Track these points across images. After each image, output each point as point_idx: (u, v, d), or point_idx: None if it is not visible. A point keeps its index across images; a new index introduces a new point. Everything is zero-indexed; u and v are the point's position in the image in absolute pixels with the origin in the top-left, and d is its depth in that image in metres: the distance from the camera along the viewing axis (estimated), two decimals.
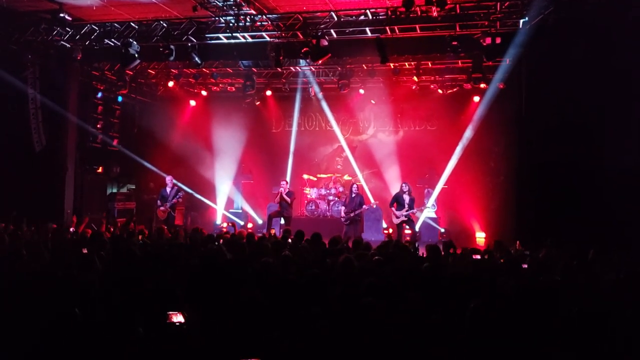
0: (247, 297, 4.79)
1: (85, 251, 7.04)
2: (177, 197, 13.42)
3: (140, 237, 9.48)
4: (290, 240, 9.33)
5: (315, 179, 17.84)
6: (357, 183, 15.17)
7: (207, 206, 17.63)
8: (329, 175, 17.75)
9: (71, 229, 11.00)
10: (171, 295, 4.91)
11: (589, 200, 10.30)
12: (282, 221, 14.09)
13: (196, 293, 5.45)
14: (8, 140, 13.09)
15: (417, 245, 10.00)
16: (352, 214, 13.27)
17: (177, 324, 4.36)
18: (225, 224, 14.42)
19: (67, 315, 4.29)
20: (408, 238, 13.81)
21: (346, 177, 17.54)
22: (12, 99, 13.12)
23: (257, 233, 11.51)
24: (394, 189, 16.51)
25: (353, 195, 13.54)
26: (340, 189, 17.09)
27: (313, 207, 16.95)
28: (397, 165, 16.79)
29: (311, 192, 17.26)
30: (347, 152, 17.67)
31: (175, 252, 7.53)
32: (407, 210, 12.83)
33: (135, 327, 4.17)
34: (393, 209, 12.90)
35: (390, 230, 15.49)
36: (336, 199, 16.89)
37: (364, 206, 13.42)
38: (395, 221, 12.90)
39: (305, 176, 17.69)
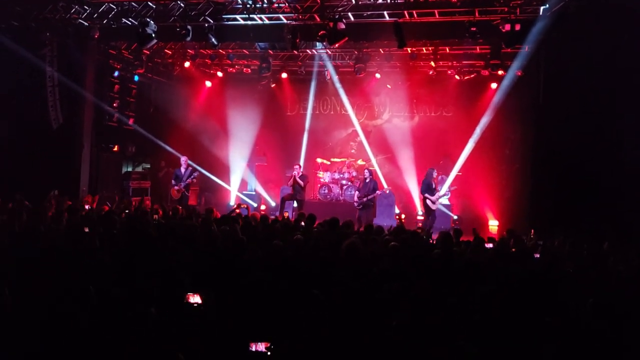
0: (255, 279, 4.81)
1: (86, 230, 6.99)
2: (192, 177, 13.49)
3: (155, 216, 9.52)
4: (303, 224, 9.33)
5: (328, 162, 17.85)
6: (371, 168, 15.12)
7: (221, 187, 17.71)
8: (342, 159, 17.74)
9: (86, 207, 11.09)
10: (186, 276, 4.94)
11: (606, 190, 10.16)
12: (295, 204, 14.17)
13: (208, 274, 5.48)
14: (26, 118, 13.18)
15: (430, 232, 9.93)
16: (365, 199, 13.32)
17: (195, 305, 4.36)
18: (235, 205, 14.44)
19: (81, 292, 4.30)
20: (420, 225, 13.84)
21: (360, 162, 17.52)
22: (30, 77, 13.14)
23: (270, 215, 11.52)
24: (408, 175, 16.50)
25: (367, 180, 13.58)
26: (354, 174, 17.09)
27: (326, 191, 16.96)
28: (411, 151, 16.72)
29: (324, 176, 17.28)
30: (362, 137, 17.63)
31: (189, 233, 7.53)
32: (440, 195, 12.96)
33: (148, 307, 4.18)
34: (427, 195, 12.92)
35: (403, 217, 15.51)
36: (349, 183, 16.90)
37: (377, 191, 13.46)
38: (433, 207, 12.88)
39: (319, 160, 17.70)
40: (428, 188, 12.96)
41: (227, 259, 6.05)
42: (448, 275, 5.74)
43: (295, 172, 13.84)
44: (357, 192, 13.71)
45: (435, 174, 13.28)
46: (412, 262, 6.21)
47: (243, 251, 6.47)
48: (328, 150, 18.19)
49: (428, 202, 12.95)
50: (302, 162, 16.47)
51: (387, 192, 15.67)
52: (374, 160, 17.26)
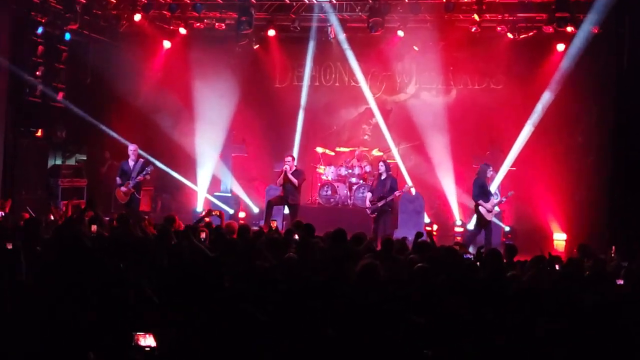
0: (230, 315, 4.86)
1: (9, 246, 7.00)
2: (144, 173, 13.47)
3: (93, 226, 9.51)
4: (296, 238, 9.38)
5: (333, 153, 17.84)
6: (390, 161, 15.23)
7: (185, 187, 17.76)
8: (352, 148, 17.75)
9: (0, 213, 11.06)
10: (135, 311, 4.92)
11: None
12: (287, 210, 14.17)
13: (166, 308, 5.54)
14: None
15: (481, 251, 9.92)
16: (380, 203, 13.35)
17: (147, 349, 4.39)
18: (203, 212, 14.41)
19: None
20: (459, 239, 13.82)
21: (376, 152, 17.54)
22: None
23: (253, 226, 11.76)
24: (442, 170, 16.56)
25: (382, 176, 13.61)
26: (367, 169, 17.10)
27: (329, 193, 16.99)
28: (446, 137, 16.80)
29: (327, 172, 17.28)
30: (378, 118, 17.67)
31: (141, 249, 7.61)
32: (497, 201, 13.00)
33: (85, 351, 4.17)
34: (482, 201, 12.91)
35: (435, 228, 15.50)
36: (361, 181, 16.92)
37: (396, 192, 13.50)
38: (489, 217, 12.94)
39: (320, 149, 17.68)
40: (482, 192, 12.95)
41: (192, 288, 6.08)
42: (497, 307, 5.76)
43: (286, 167, 13.87)
44: (369, 194, 13.76)
45: (490, 172, 13.29)
46: (446, 290, 6.26)
47: (214, 277, 6.45)
48: (332, 136, 18.19)
49: (482, 210, 12.95)
50: (295, 153, 16.48)
51: (413, 192, 15.71)
52: (394, 150, 17.30)
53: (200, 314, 5.16)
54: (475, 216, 13.30)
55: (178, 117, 17.63)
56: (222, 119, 17.61)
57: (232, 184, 17.85)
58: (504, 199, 13.76)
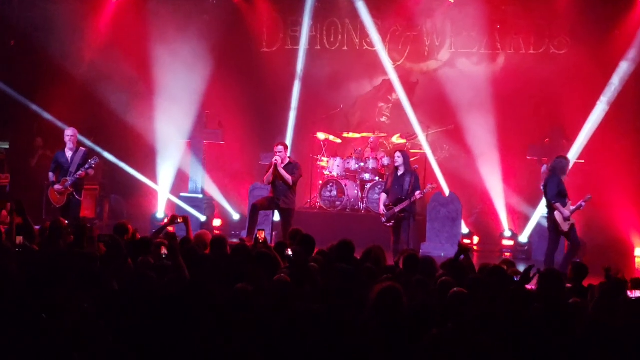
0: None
1: None
2: (86, 167, 13.45)
3: (19, 238, 9.33)
4: (290, 254, 9.18)
5: (339, 141, 17.90)
6: (415, 151, 15.49)
7: (141, 186, 17.81)
8: (365, 134, 17.77)
9: None
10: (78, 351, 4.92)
11: None
12: (277, 217, 14.18)
13: (119, 348, 5.52)
14: None
15: (560, 276, 9.82)
16: (397, 208, 13.35)
17: None
18: (166, 218, 14.57)
19: None
20: (507, 255, 13.81)
21: (396, 140, 17.58)
22: None
23: (232, 238, 11.97)
24: (485, 163, 16.68)
25: (399, 171, 13.62)
26: (385, 161, 17.01)
27: (334, 193, 16.96)
28: (490, 119, 16.83)
29: (331, 166, 17.22)
30: (400, 93, 17.68)
31: (83, 269, 7.50)
32: (575, 207, 12.92)
33: None
34: (559, 204, 12.86)
35: (476, 240, 15.58)
36: (377, 178, 16.91)
37: (418, 193, 13.42)
38: (565, 227, 12.90)
39: (322, 135, 17.69)
40: (561, 193, 12.96)
41: (156, 320, 6.06)
42: (555, 347, 5.76)
43: (277, 159, 13.76)
44: (383, 196, 13.77)
45: (569, 167, 13.17)
46: (489, 323, 6.25)
47: (181, 305, 6.35)
48: (338, 118, 18.23)
49: (558, 217, 12.91)
50: (289, 141, 16.58)
51: (446, 194, 15.75)
52: (421, 137, 17.25)
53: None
54: (549, 224, 13.10)
55: (132, 93, 17.64)
56: (191, 96, 17.58)
57: (204, 182, 17.81)
58: (582, 204, 13.25)
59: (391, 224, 13.44)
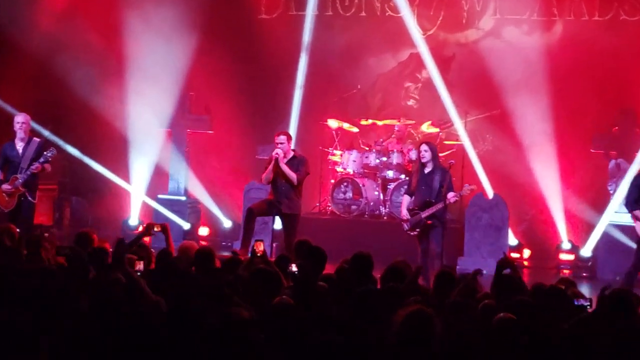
0: None
1: None
2: (42, 161, 13.59)
3: None
4: (295, 270, 9.28)
5: (356, 129, 17.99)
6: (450, 142, 15.78)
7: (110, 186, 17.92)
8: (387, 122, 17.85)
9: None
10: None
11: None
12: (279, 224, 14.26)
13: None
14: None
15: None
16: (424, 213, 13.33)
17: None
18: (141, 226, 14.85)
19: None
20: (567, 272, 13.78)
21: (427, 128, 17.66)
22: None
23: (222, 251, 12.31)
24: (538, 157, 16.78)
25: (427, 168, 13.66)
26: (413, 155, 16.84)
27: (349, 195, 17.03)
28: (544, 101, 16.87)
29: (346, 161, 17.27)
30: (431, 70, 17.70)
31: (40, 286, 7.58)
32: None
33: None
34: (638, 213, 13.01)
35: (527, 254, 15.76)
36: (402, 176, 16.95)
37: (449, 195, 13.40)
38: None
39: (334, 123, 17.76)
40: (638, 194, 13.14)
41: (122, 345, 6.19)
42: None
43: (278, 152, 13.79)
44: (406, 198, 13.86)
45: None
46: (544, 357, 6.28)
47: (158, 336, 6.51)
48: (354, 101, 18.32)
49: (637, 228, 13.05)
50: (293, 129, 16.72)
51: (490, 196, 15.85)
52: (458, 125, 17.30)
53: None
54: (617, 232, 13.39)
55: (99, 70, 17.67)
56: (172, 74, 17.63)
57: (187, 181, 17.96)
58: None
59: (416, 232, 13.44)
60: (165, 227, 11.27)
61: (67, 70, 17.34)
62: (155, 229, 11.09)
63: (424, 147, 13.82)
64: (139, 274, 8.77)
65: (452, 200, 13.53)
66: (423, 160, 13.72)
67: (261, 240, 11.39)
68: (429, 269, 12.17)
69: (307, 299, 7.77)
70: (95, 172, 17.79)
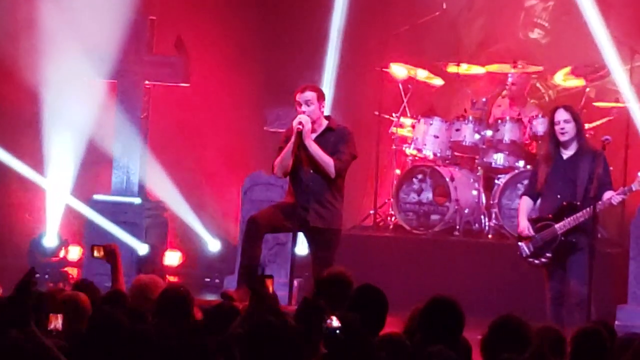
0: None
1: None
2: None
3: None
4: (335, 327, 7.27)
5: (438, 81, 15.99)
6: (607, 106, 14.67)
7: (12, 179, 16.30)
8: (493, 67, 15.86)
9: None
10: None
11: None
12: (305, 247, 12.48)
13: None
14: None
15: None
16: (559, 226, 11.23)
17: None
18: (57, 247, 14.60)
19: None
20: None
21: (563, 80, 15.87)
22: None
23: (204, 292, 12.02)
24: None
25: (566, 151, 11.55)
26: (540, 128, 14.51)
27: (427, 196, 15.02)
28: None
29: (422, 136, 15.19)
30: None
31: None
32: None
33: None
34: None
35: None
36: (520, 164, 15.17)
37: (607, 195, 11.11)
38: None
39: (400, 70, 15.61)
40: None
41: None
42: None
43: (301, 119, 11.16)
44: (524, 200, 11.84)
45: None
46: None
47: None
48: (433, 32, 16.10)
49: None
50: (327, 83, 14.99)
51: None
52: (620, 76, 15.11)
53: None
54: None
55: None
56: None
57: (143, 172, 15.85)
58: None
59: (543, 260, 11.35)
60: (114, 250, 10.12)
61: None
62: (96, 254, 10.17)
63: (561, 113, 11.52)
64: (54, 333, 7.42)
65: (613, 202, 11.38)
66: (561, 138, 11.40)
67: (271, 277, 8.81)
68: (566, 324, 10.08)
69: None
70: None
